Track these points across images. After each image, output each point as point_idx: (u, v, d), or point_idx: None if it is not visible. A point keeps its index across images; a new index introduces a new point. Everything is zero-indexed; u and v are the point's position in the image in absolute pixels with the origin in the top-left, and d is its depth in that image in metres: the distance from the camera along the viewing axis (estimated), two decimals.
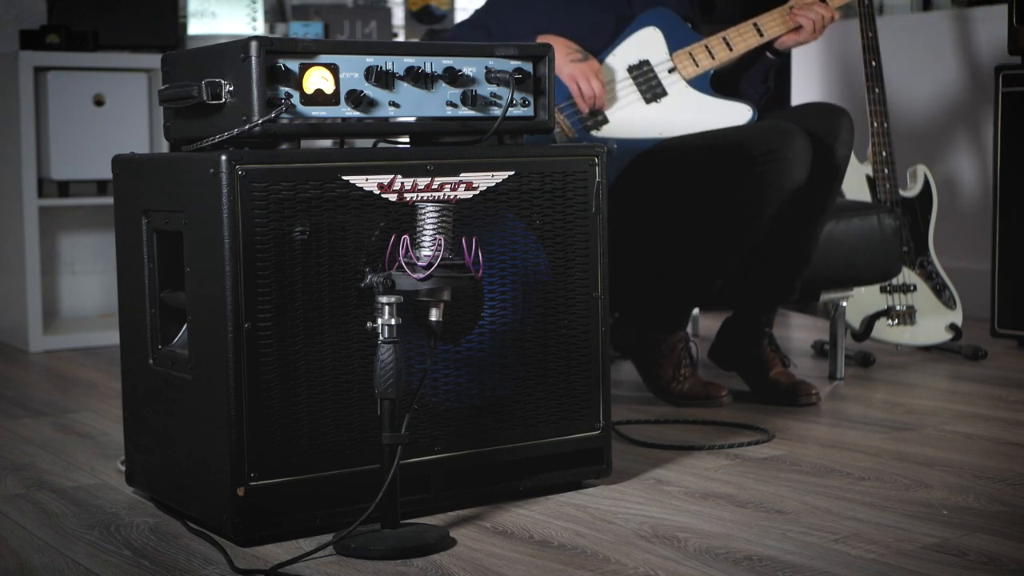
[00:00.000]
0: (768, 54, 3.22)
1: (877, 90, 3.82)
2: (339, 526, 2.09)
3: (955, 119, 4.61)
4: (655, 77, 3.12)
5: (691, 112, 3.12)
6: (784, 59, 3.29)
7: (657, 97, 3.11)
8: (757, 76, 3.26)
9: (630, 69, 3.12)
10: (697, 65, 3.13)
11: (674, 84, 3.12)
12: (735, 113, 3.11)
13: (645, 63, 3.12)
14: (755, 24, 3.16)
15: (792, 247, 3.10)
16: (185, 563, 1.99)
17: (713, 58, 3.13)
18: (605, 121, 3.09)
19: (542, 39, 3.05)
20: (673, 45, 3.14)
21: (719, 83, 3.23)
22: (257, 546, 2.06)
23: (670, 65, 3.13)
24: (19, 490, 2.43)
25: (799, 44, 3.21)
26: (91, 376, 3.67)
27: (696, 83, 3.14)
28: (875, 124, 3.80)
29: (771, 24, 3.16)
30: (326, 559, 1.99)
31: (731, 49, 3.14)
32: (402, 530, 2.05)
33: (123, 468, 2.42)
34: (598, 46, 3.14)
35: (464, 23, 3.25)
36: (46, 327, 4.18)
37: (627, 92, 3.11)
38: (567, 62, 3.04)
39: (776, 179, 2.94)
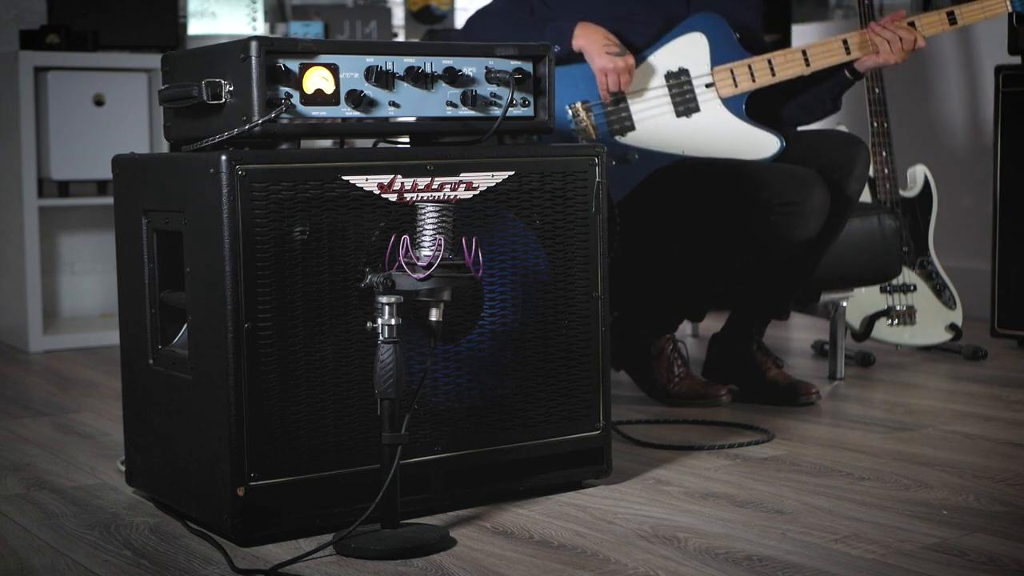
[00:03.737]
0: (847, 73, 3.13)
1: (877, 90, 3.82)
2: (339, 526, 2.09)
3: (955, 119, 4.61)
4: (691, 90, 3.06)
5: (719, 134, 3.05)
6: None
7: (689, 112, 3.05)
8: (828, 92, 3.18)
9: (668, 76, 3.05)
10: (736, 85, 3.05)
11: (709, 101, 3.06)
12: (763, 143, 3.04)
13: (684, 72, 3.06)
14: (804, 51, 3.07)
15: (791, 269, 3.10)
16: (185, 563, 1.99)
17: (754, 80, 3.05)
18: (632, 128, 3.04)
19: (582, 26, 3.00)
20: (716, 58, 3.07)
21: (791, 88, 3.17)
22: (257, 546, 2.06)
23: (708, 80, 3.06)
24: (19, 490, 2.43)
25: (879, 66, 3.10)
26: (91, 376, 3.67)
27: (731, 103, 3.07)
28: (875, 124, 3.80)
29: (822, 53, 3.07)
30: (326, 559, 1.99)
31: (774, 74, 3.06)
32: (402, 530, 2.05)
33: (123, 468, 2.42)
34: (642, 44, 3.08)
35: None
36: (46, 327, 4.17)
37: (660, 101, 3.06)
38: (602, 53, 2.97)
39: (789, 230, 2.92)
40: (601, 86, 3.00)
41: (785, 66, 3.08)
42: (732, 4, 3.18)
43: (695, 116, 3.06)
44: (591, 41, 2.98)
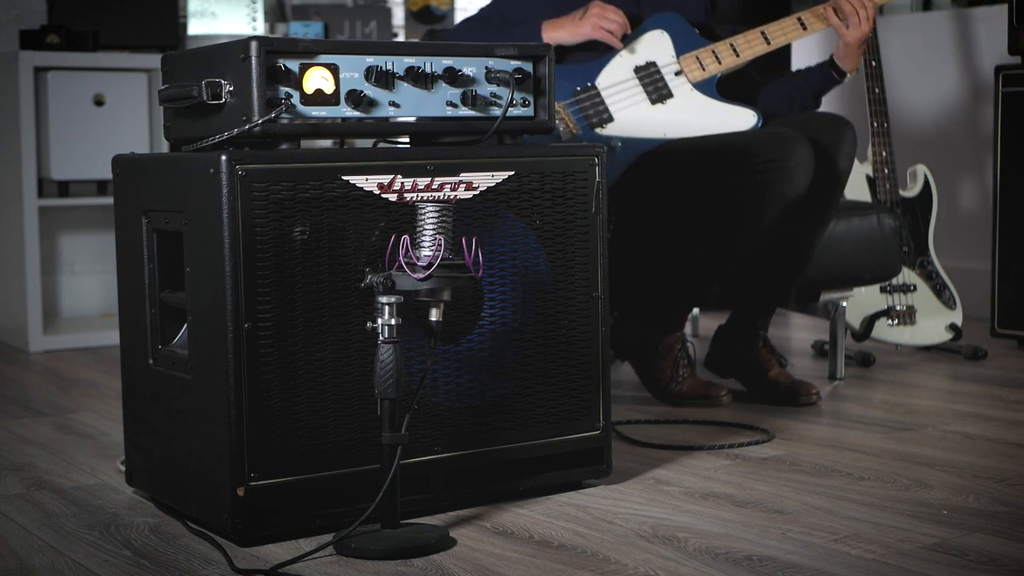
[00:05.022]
0: (834, 74, 3.17)
1: (877, 90, 3.82)
2: (339, 526, 2.09)
3: (955, 119, 4.61)
4: (661, 79, 3.11)
5: (696, 114, 3.10)
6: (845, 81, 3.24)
7: (663, 98, 3.10)
8: (810, 87, 3.21)
9: (636, 70, 3.10)
10: (704, 69, 3.11)
11: (680, 87, 3.11)
12: (740, 117, 3.10)
13: (652, 64, 3.11)
14: (763, 32, 3.13)
15: (790, 255, 3.10)
16: (185, 563, 1.99)
17: (720, 63, 3.11)
18: (610, 119, 3.08)
19: (546, 24, 3.05)
20: (680, 49, 3.13)
21: (773, 80, 3.22)
22: (257, 546, 2.06)
23: (676, 68, 3.11)
24: (19, 490, 2.43)
25: (855, 44, 3.10)
26: (91, 376, 3.67)
27: (702, 87, 3.12)
28: (875, 124, 3.80)
29: (780, 31, 3.13)
30: (326, 559, 1.99)
31: (738, 55, 3.12)
32: (402, 530, 2.05)
33: (123, 468, 2.42)
34: (603, 45, 3.12)
35: (469, 19, 3.24)
36: (46, 327, 4.17)
37: (633, 91, 3.10)
38: (575, 21, 3.03)
39: (777, 187, 2.94)
40: (604, 39, 3.05)
41: (747, 47, 3.14)
42: (680, 3, 3.22)
43: (670, 102, 3.12)
44: (560, 26, 3.04)
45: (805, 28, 3.15)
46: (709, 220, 3.01)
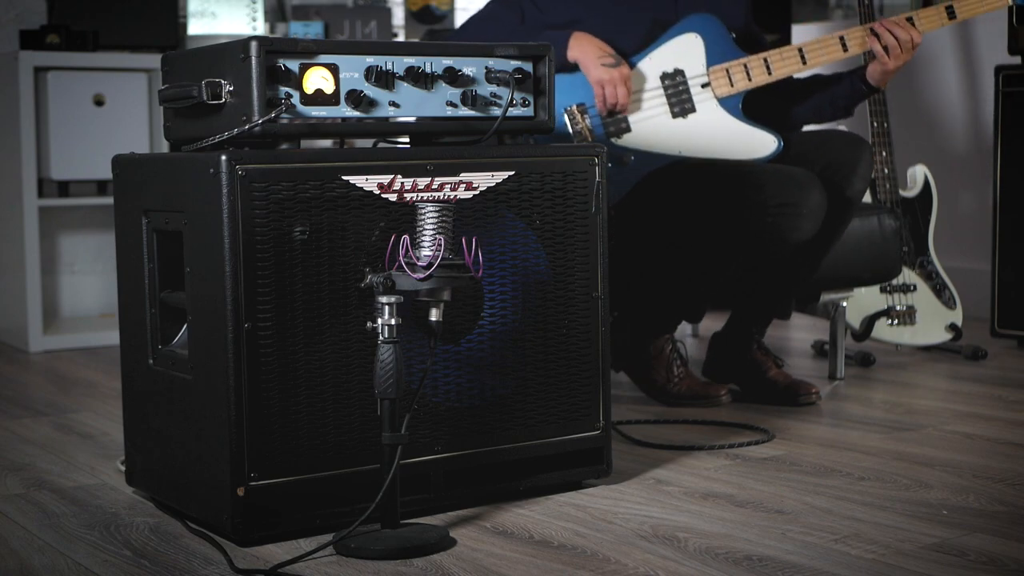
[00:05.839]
0: (864, 87, 3.10)
1: None
2: (339, 526, 2.09)
3: (955, 119, 4.61)
4: (687, 90, 3.04)
5: (716, 134, 3.04)
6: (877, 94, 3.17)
7: (685, 112, 3.03)
8: (842, 100, 3.15)
9: (663, 77, 3.04)
10: (732, 85, 3.04)
11: (705, 101, 3.04)
12: (760, 142, 3.03)
13: (680, 73, 3.05)
14: (800, 49, 3.05)
15: (793, 270, 3.09)
16: (185, 563, 1.99)
17: (750, 79, 3.04)
18: (628, 130, 3.03)
19: (576, 35, 3.00)
20: (712, 58, 3.06)
21: (805, 89, 3.17)
22: (257, 546, 2.06)
23: (704, 80, 3.05)
24: (19, 490, 2.43)
25: (887, 72, 3.04)
26: (91, 376, 3.67)
27: (727, 103, 3.05)
28: (875, 124, 3.80)
29: (820, 50, 3.04)
30: (326, 559, 1.99)
31: (770, 72, 3.04)
32: (402, 530, 2.05)
33: (123, 468, 2.42)
34: (632, 46, 3.07)
35: (497, 1, 3.16)
36: (46, 327, 4.18)
37: (656, 103, 3.04)
38: (597, 65, 2.96)
39: (785, 232, 2.91)
40: (597, 97, 2.99)
41: (781, 64, 3.06)
42: (721, 3, 3.17)
43: (691, 116, 3.05)
44: (585, 53, 2.97)
45: (846, 50, 3.05)
46: (712, 247, 2.99)
